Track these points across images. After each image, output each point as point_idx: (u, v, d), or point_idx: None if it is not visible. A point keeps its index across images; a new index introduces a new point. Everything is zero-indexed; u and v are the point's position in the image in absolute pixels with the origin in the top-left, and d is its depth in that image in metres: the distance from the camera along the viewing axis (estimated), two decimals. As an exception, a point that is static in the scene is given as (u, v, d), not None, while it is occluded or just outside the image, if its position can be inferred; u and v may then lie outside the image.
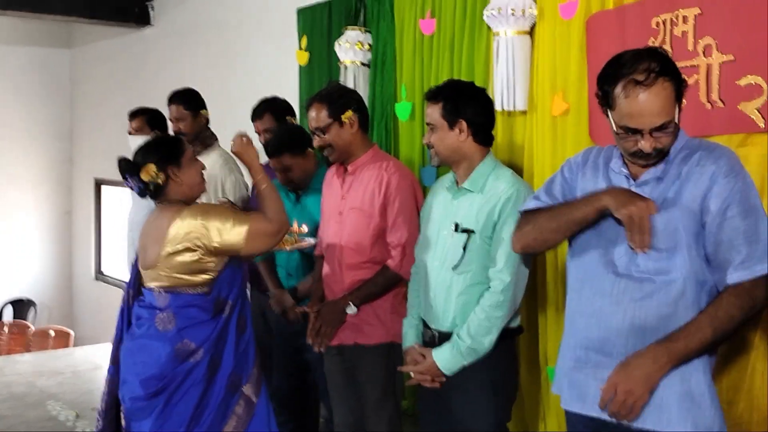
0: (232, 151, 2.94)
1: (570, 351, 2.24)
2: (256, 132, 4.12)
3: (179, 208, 2.74)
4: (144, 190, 2.77)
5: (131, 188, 2.79)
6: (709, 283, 2.07)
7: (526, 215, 2.33)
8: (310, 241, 3.10)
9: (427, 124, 2.74)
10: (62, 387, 5.51)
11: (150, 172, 2.73)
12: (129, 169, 2.78)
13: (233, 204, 3.05)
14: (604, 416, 2.12)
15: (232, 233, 2.68)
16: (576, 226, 2.18)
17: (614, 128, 2.10)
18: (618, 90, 2.05)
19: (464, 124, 2.68)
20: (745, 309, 2.00)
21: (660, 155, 2.10)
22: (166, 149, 2.79)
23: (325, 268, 3.22)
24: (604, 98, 2.10)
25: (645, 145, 2.05)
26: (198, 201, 2.90)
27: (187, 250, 2.68)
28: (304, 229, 3.06)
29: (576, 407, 2.22)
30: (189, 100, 4.29)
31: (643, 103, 2.01)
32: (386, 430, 3.11)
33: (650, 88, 2.01)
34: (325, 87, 3.32)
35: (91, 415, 4.81)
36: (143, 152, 2.81)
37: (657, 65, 2.02)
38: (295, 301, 3.49)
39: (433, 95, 2.72)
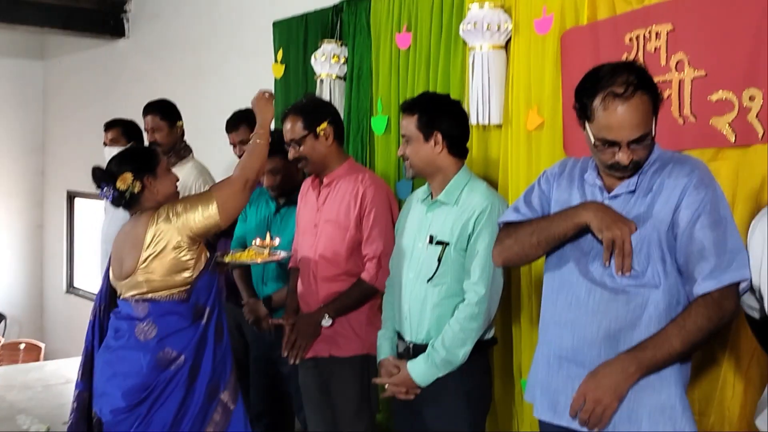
0: (251, 102, 3.02)
1: (543, 360, 2.25)
2: (231, 143, 4.11)
3: (152, 213, 2.75)
4: (119, 199, 2.77)
5: (106, 197, 2.77)
6: (684, 295, 2.09)
7: (507, 228, 2.34)
8: (282, 254, 3.09)
9: (402, 135, 2.75)
10: (33, 401, 5.43)
11: (126, 180, 2.73)
12: (104, 177, 2.78)
13: None
14: (576, 426, 2.14)
15: (205, 216, 2.71)
16: (556, 241, 2.20)
17: (592, 140, 2.12)
18: (596, 102, 2.07)
19: (439, 136, 2.70)
20: (713, 320, 2.01)
21: (636, 167, 2.12)
22: (141, 159, 2.81)
23: (300, 281, 3.22)
24: (582, 111, 2.12)
25: (622, 157, 2.07)
26: None
27: (168, 248, 2.69)
28: (276, 242, 3.05)
29: (548, 416, 2.23)
30: (166, 110, 4.28)
31: (622, 115, 2.04)
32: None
33: (629, 101, 2.03)
34: (300, 99, 3.32)
35: (63, 429, 4.74)
36: (119, 161, 2.81)
37: (635, 78, 2.05)
38: (270, 310, 3.47)
39: (409, 107, 2.73)
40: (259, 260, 3.00)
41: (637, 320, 2.08)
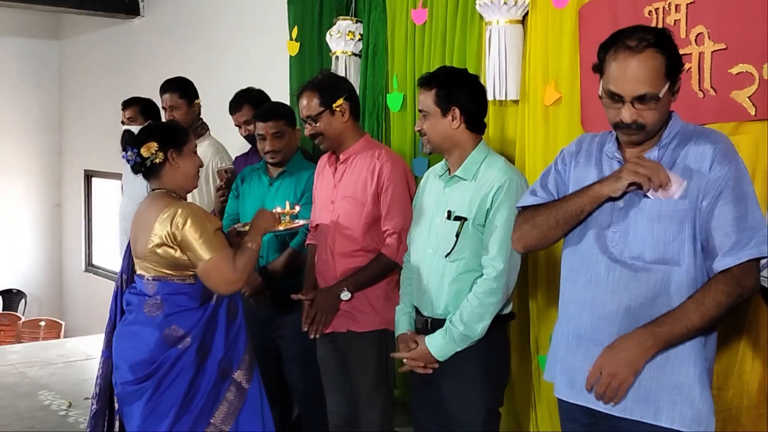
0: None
1: (562, 339, 2.25)
2: (235, 125, 4.09)
3: (167, 203, 2.74)
4: (139, 165, 2.77)
5: (128, 161, 2.78)
6: (706, 274, 2.07)
7: (524, 213, 2.33)
8: (302, 221, 3.08)
9: (420, 110, 2.73)
10: (54, 377, 5.50)
11: (151, 148, 2.74)
12: (131, 141, 2.78)
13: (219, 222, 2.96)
14: (594, 404, 2.13)
15: (193, 258, 2.68)
16: (574, 219, 2.19)
17: (601, 95, 2.11)
18: (609, 54, 2.06)
19: (457, 111, 2.68)
20: (732, 296, 2.00)
21: (641, 132, 2.09)
22: (172, 133, 2.82)
23: (318, 257, 3.23)
24: (599, 64, 2.11)
25: (625, 114, 2.05)
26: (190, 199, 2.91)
27: (167, 246, 2.70)
28: (297, 210, 3.03)
29: (566, 395, 2.23)
30: (184, 88, 4.30)
31: (628, 68, 2.02)
32: (378, 419, 3.12)
33: (638, 55, 2.02)
34: (316, 75, 3.32)
35: (84, 405, 4.81)
36: (149, 130, 2.83)
37: (652, 37, 2.03)
38: (266, 281, 3.48)
39: (426, 81, 2.71)
40: (280, 227, 2.98)
41: (657, 298, 2.06)
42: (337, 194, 3.15)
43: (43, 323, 8.52)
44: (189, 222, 2.67)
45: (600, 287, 2.14)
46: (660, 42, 2.03)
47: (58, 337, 8.13)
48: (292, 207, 3.03)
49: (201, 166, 2.90)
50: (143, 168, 2.79)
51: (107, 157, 7.44)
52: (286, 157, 3.55)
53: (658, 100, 2.04)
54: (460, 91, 2.69)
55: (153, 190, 2.85)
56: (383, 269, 3.05)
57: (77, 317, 8.99)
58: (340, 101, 3.11)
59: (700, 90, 2.75)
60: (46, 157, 9.60)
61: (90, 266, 9.13)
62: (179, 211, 2.69)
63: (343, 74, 4.34)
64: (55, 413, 4.74)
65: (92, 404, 3.07)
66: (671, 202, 2.05)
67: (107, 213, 8.31)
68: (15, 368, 5.71)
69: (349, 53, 4.39)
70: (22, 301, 9.26)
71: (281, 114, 3.55)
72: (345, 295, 3.03)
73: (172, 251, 2.70)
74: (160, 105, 4.44)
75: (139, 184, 4.61)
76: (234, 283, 2.73)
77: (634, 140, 2.12)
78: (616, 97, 2.06)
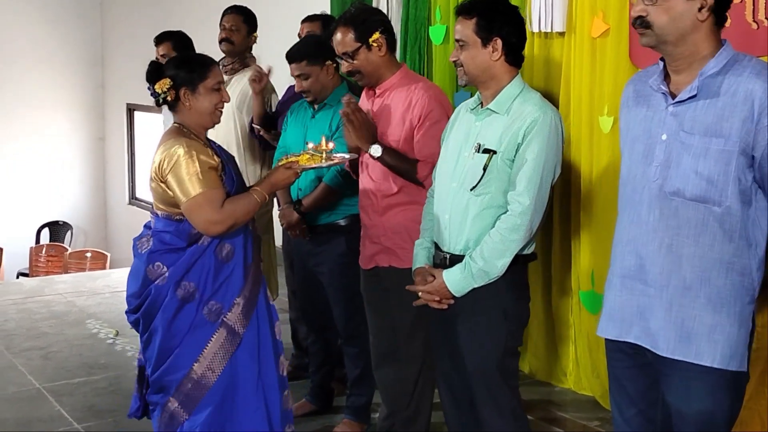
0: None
1: (610, 279, 2.23)
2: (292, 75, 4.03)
3: (167, 139, 2.71)
4: (156, 100, 2.77)
5: (150, 95, 2.78)
6: (753, 209, 2.02)
7: None
8: (344, 156, 3.05)
9: (457, 40, 2.64)
10: (101, 306, 5.64)
11: (163, 86, 2.71)
12: (150, 75, 2.76)
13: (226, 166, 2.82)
14: (641, 342, 2.12)
15: (180, 185, 2.62)
16: None
17: None
18: None
19: (499, 42, 2.60)
20: None
21: (649, 33, 2.01)
22: (188, 69, 2.74)
23: (360, 192, 3.23)
24: None
25: (636, 8, 2.00)
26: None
27: (157, 181, 2.68)
28: (331, 146, 2.98)
29: (613, 334, 2.21)
30: (249, 15, 4.29)
31: None
32: (419, 353, 3.15)
33: None
34: (349, 9, 3.24)
35: (131, 333, 4.93)
36: (170, 63, 2.80)
37: None
38: (300, 215, 3.50)
39: (466, 10, 2.61)
40: (325, 164, 2.88)
41: (699, 237, 2.02)
42: (377, 129, 3.13)
43: (89, 254, 8.71)
44: (176, 160, 2.62)
45: (642, 227, 2.11)
46: None
47: (104, 267, 8.32)
48: (327, 142, 2.91)
49: (224, 101, 2.79)
50: (160, 103, 2.77)
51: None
52: (320, 95, 3.52)
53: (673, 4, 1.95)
54: (502, 21, 2.61)
55: (173, 123, 2.84)
56: (410, 171, 3.00)
57: (122, 249, 9.16)
58: (376, 35, 3.04)
59: (754, 21, 2.66)
60: (88, 90, 9.69)
61: (133, 199, 9.28)
62: (171, 149, 2.65)
63: (385, 7, 4.28)
64: (102, 341, 4.87)
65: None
66: (720, 140, 1.99)
67: (149, 147, 8.40)
68: (63, 297, 5.85)
69: (392, -16, 4.33)
70: (69, 232, 9.47)
71: (303, 55, 3.47)
72: (375, 150, 3.00)
73: (161, 187, 2.68)
74: (220, 26, 4.37)
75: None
76: (217, 224, 2.64)
77: (643, 42, 2.04)
78: None
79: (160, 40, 4.57)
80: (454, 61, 2.63)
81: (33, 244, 9.23)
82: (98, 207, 9.82)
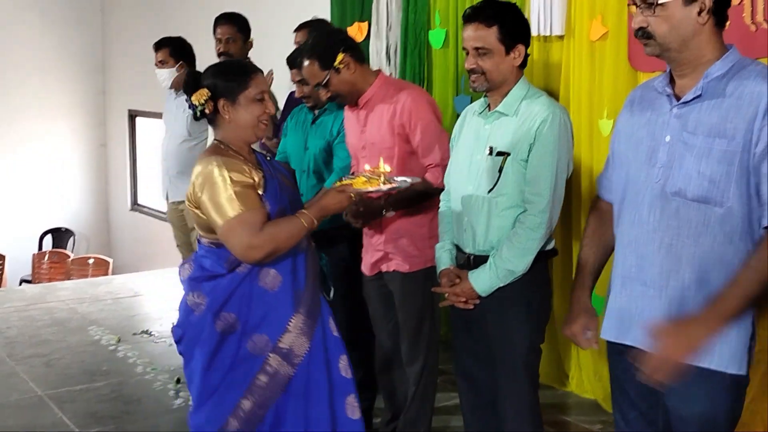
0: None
1: (612, 280, 2.23)
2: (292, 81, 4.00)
3: (201, 160, 2.49)
4: (194, 112, 2.54)
5: (189, 107, 2.58)
6: (755, 213, 2.01)
7: None
8: (406, 179, 2.72)
9: (477, 48, 2.62)
10: (103, 313, 5.64)
11: (200, 97, 2.48)
12: (187, 86, 2.55)
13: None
14: (641, 344, 2.11)
15: (214, 209, 2.40)
16: None
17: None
18: None
19: (521, 49, 2.63)
20: None
21: (651, 42, 2.01)
22: (227, 79, 2.50)
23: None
24: None
25: (636, 18, 2.00)
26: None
27: (193, 206, 2.50)
28: (388, 168, 2.66)
29: (613, 336, 2.21)
30: (242, 23, 4.29)
31: None
32: (424, 355, 3.15)
33: None
34: (306, 40, 3.23)
35: (133, 340, 4.94)
36: (209, 72, 2.56)
37: None
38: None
39: (485, 18, 2.60)
40: (384, 188, 2.60)
41: (699, 238, 2.02)
42: (366, 139, 3.14)
43: (91, 261, 8.72)
44: (209, 180, 2.41)
45: (642, 227, 2.10)
46: None
47: (106, 274, 8.32)
48: (384, 165, 2.65)
49: (268, 113, 2.53)
50: (198, 117, 2.55)
51: (150, 96, 7.48)
52: (320, 100, 3.53)
53: (662, 6, 1.95)
54: (523, 28, 2.65)
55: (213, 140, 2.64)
56: (425, 191, 2.99)
57: (124, 255, 9.19)
58: (340, 56, 3.03)
59: (753, 23, 2.67)
60: (90, 97, 9.70)
61: (136, 205, 9.29)
62: (204, 169, 2.43)
63: (384, 11, 4.29)
64: (104, 348, 4.87)
65: None
66: (723, 141, 1.98)
67: (151, 153, 8.41)
68: (66, 304, 5.86)
69: (391, -11, 4.33)
70: (71, 239, 9.48)
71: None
72: (389, 214, 3.04)
73: (196, 212, 2.49)
74: (214, 36, 4.37)
75: (179, 123, 4.65)
76: (255, 249, 2.39)
77: (648, 52, 2.04)
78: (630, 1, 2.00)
79: (159, 46, 4.58)
80: (471, 69, 2.62)
81: (35, 251, 9.23)
82: (101, 213, 9.83)
